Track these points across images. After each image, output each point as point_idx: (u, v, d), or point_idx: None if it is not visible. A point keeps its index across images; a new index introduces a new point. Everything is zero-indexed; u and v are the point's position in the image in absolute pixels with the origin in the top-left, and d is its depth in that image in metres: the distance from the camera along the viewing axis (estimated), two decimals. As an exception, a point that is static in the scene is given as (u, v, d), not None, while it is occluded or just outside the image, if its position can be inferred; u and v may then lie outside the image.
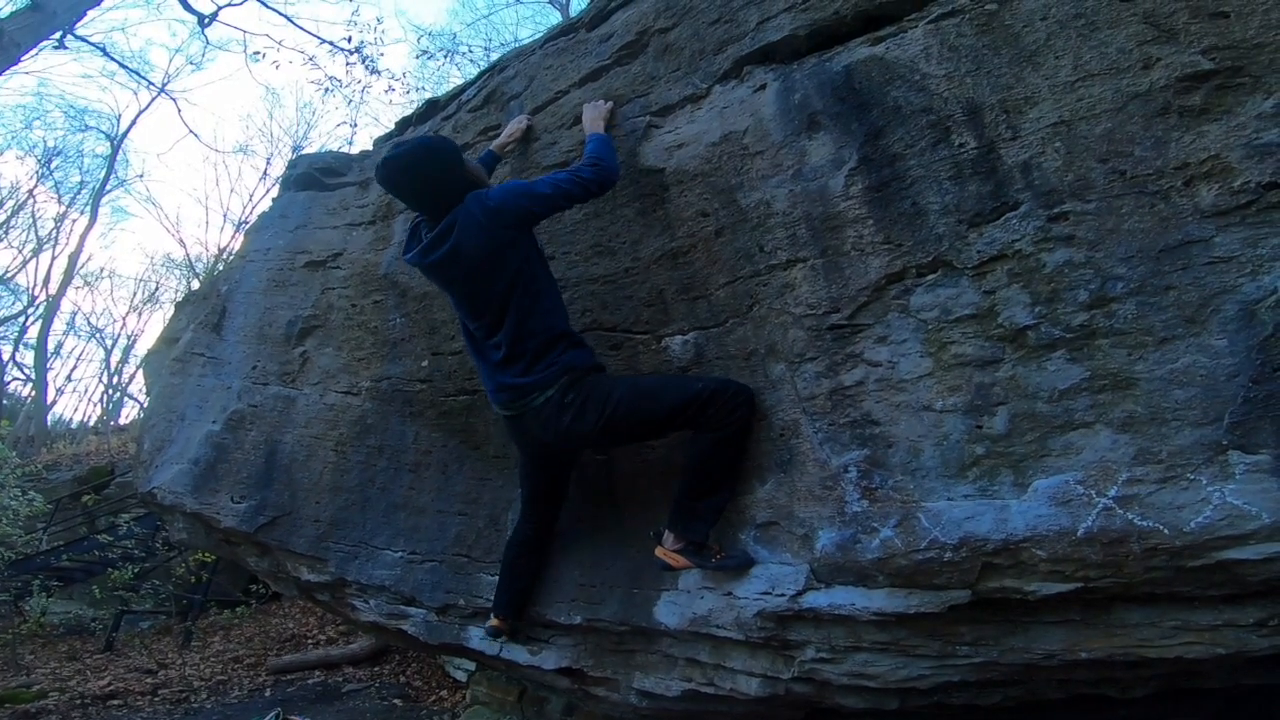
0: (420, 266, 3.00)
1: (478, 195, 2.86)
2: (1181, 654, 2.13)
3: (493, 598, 3.44)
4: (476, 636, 3.70)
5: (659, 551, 2.84)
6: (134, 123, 39.43)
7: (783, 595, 2.61)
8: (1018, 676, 2.53)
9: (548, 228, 3.39)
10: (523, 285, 2.82)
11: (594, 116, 3.22)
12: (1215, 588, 1.98)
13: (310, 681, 7.23)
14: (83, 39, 15.96)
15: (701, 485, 2.76)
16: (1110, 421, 2.05)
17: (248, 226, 6.28)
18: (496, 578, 3.54)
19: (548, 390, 2.80)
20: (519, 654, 3.55)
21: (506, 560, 3.36)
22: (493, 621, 3.38)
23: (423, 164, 2.85)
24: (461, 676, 6.46)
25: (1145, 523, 1.94)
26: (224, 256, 23.92)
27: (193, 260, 30.93)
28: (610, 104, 3.28)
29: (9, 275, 28.84)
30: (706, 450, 2.72)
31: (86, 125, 30.50)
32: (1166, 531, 1.91)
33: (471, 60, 20.89)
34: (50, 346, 28.52)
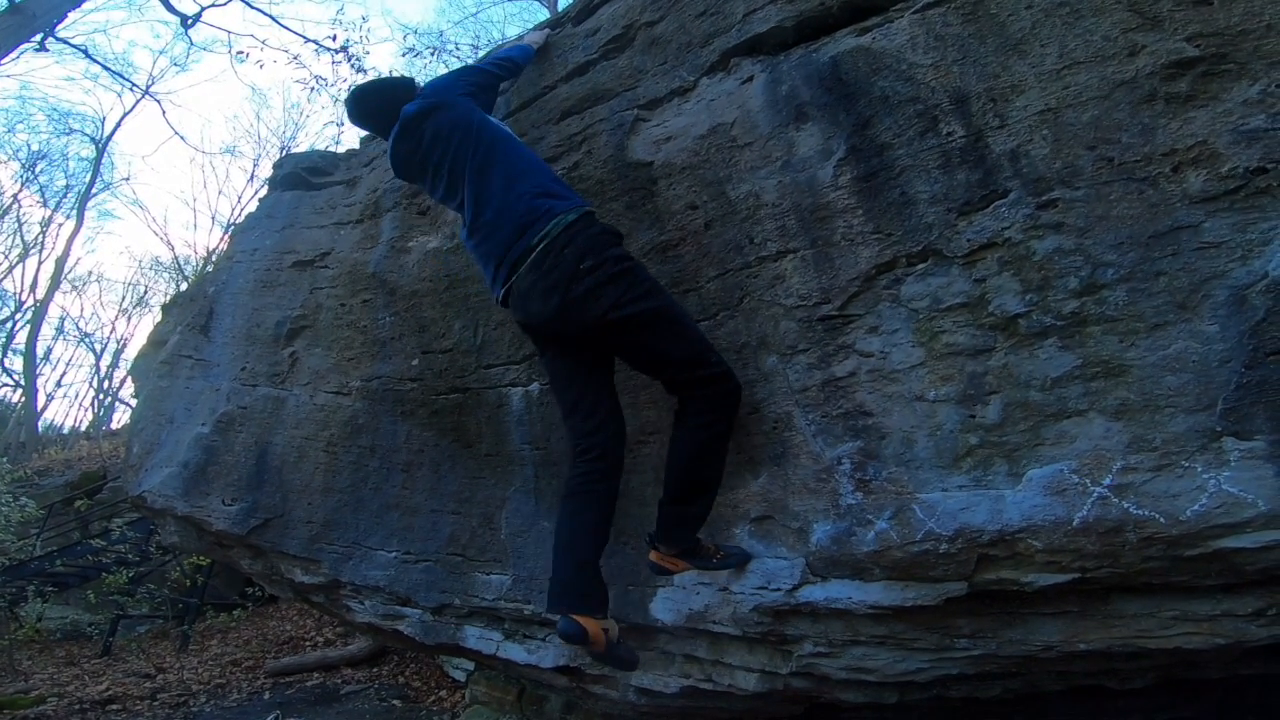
0: (398, 150, 3.01)
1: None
2: (1180, 644, 2.13)
3: (550, 593, 2.51)
4: (473, 636, 3.69)
5: (654, 556, 2.70)
6: (118, 125, 39.42)
7: (779, 590, 2.60)
8: (1016, 669, 2.54)
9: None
10: (489, 141, 2.80)
11: (534, 39, 3.63)
12: (1212, 577, 1.98)
13: (309, 684, 7.22)
14: (64, 41, 15.82)
15: (686, 490, 2.59)
16: (1103, 409, 2.04)
17: (235, 227, 6.25)
18: (492, 577, 3.52)
19: (555, 228, 2.53)
20: (516, 653, 3.54)
21: (557, 527, 2.59)
22: (579, 621, 2.32)
23: (379, 86, 3.15)
24: (460, 676, 6.46)
25: (1141, 511, 1.93)
26: (212, 258, 23.81)
27: (180, 262, 30.84)
28: (546, 33, 3.67)
29: (-5, 280, 28.70)
30: (691, 452, 2.57)
31: (70, 128, 30.31)
32: (1162, 520, 1.91)
33: (459, 58, 20.80)
34: (39, 352, 28.45)
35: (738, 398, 2.59)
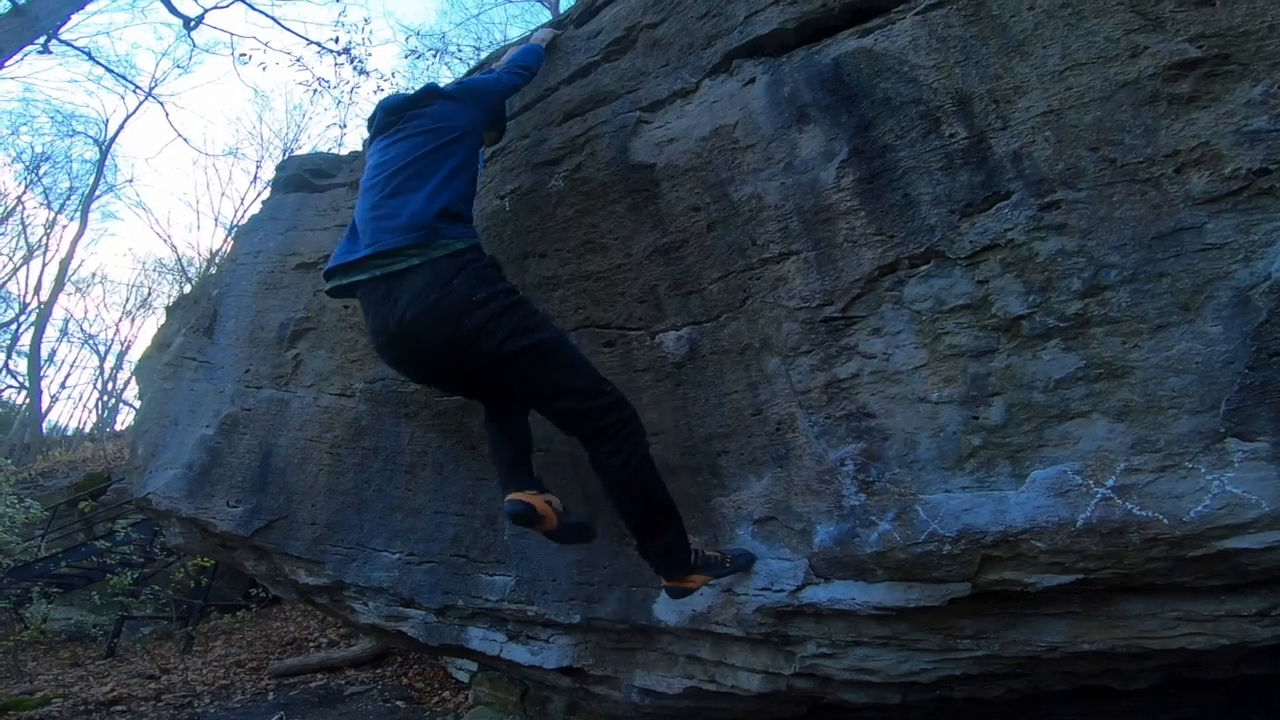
0: (396, 101, 2.90)
1: None
2: (1184, 645, 2.13)
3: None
4: (476, 637, 3.69)
5: (669, 585, 2.62)
6: (121, 127, 39.41)
7: (782, 591, 2.61)
8: (1020, 669, 2.53)
9: (538, 225, 3.38)
10: (448, 155, 2.71)
11: (542, 36, 3.64)
12: (1216, 578, 1.98)
13: (313, 685, 7.23)
14: (67, 43, 15.77)
15: (650, 522, 2.55)
16: (1107, 410, 2.05)
17: (238, 229, 6.25)
18: (495, 578, 3.53)
19: (439, 251, 2.43)
20: (520, 654, 3.54)
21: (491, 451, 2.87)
22: (519, 498, 2.55)
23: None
24: (464, 677, 6.47)
25: (1144, 513, 1.93)
26: (215, 260, 23.84)
27: (184, 264, 30.91)
28: (553, 31, 3.67)
29: (0, 283, 28.77)
30: (634, 484, 2.50)
31: (74, 130, 30.39)
32: (1166, 521, 1.91)
33: (461, 59, 20.85)
34: (44, 354, 28.48)
35: (636, 427, 2.53)
